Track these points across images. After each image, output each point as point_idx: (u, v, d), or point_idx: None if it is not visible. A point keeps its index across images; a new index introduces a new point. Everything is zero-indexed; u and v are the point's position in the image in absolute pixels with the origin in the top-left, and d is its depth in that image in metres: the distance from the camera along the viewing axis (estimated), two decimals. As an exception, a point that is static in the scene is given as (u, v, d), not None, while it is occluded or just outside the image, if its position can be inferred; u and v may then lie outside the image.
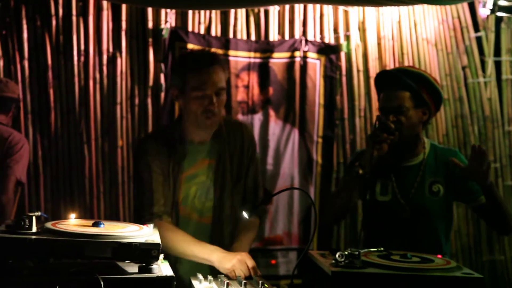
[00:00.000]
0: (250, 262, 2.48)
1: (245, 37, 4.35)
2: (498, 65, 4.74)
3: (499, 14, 4.50)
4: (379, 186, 3.02)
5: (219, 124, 2.82)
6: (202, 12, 4.26)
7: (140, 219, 2.65)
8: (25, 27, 3.96)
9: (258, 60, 4.34)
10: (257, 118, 4.36)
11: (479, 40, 4.70)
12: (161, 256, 2.12)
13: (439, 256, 2.37)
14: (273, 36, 4.40)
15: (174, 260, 2.60)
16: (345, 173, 3.36)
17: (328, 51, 4.47)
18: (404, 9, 4.58)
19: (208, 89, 2.67)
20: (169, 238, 2.61)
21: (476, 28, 4.70)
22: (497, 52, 4.74)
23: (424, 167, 3.01)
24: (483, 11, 4.57)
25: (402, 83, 2.95)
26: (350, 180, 2.94)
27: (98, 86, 4.08)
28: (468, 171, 2.83)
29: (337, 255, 2.13)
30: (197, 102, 2.69)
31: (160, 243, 2.04)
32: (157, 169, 2.75)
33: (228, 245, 2.73)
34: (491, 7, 4.40)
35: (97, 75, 4.08)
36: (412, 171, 3.01)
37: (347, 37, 4.52)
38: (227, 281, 2.24)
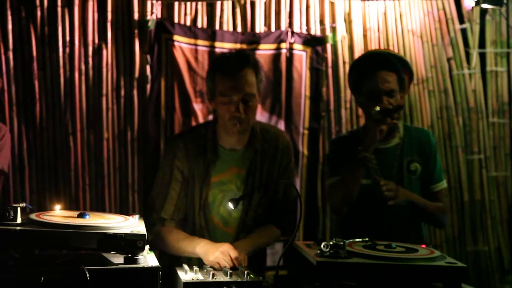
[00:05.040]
0: (233, 253, 2.49)
1: (231, 29, 4.34)
2: (482, 56, 4.75)
3: (484, 6, 4.51)
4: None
5: (253, 132, 2.75)
6: (188, 3, 4.25)
7: (148, 215, 2.65)
8: (9, 18, 3.92)
9: (244, 52, 4.32)
10: (243, 109, 4.35)
11: (464, 32, 4.72)
12: (147, 247, 2.13)
13: (423, 246, 2.40)
14: (259, 27, 4.40)
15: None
16: (329, 161, 3.36)
17: (314, 42, 4.47)
18: (389, 1, 4.59)
19: (234, 95, 2.59)
20: (167, 239, 2.65)
21: (461, 20, 4.71)
22: (482, 44, 4.75)
23: (401, 146, 3.05)
24: (468, 3, 4.60)
25: (393, 65, 2.97)
26: (356, 164, 2.94)
27: (83, 77, 4.06)
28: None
29: (322, 245, 2.15)
30: (224, 108, 2.62)
31: (146, 234, 2.05)
32: (179, 176, 2.71)
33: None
34: (476, -1, 4.44)
35: (83, 67, 4.06)
36: (391, 152, 3.05)
37: (333, 29, 4.52)
38: (213, 271, 2.25)
